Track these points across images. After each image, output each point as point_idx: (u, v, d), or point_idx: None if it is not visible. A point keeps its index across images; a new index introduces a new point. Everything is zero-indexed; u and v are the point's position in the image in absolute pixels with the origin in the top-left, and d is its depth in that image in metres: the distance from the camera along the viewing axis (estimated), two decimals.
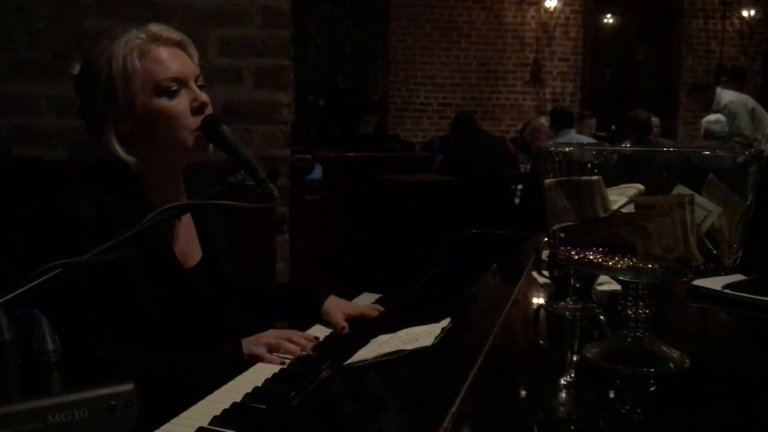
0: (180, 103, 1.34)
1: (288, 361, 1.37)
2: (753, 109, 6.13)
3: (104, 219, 1.29)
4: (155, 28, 1.37)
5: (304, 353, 1.41)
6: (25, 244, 1.34)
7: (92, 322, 1.27)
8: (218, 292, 1.50)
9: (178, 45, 1.39)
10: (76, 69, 1.40)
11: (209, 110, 1.37)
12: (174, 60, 1.35)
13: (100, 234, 1.20)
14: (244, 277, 1.66)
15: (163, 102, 1.33)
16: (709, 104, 6.14)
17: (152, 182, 1.39)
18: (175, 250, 1.42)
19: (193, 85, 1.36)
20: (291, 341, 1.42)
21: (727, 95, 6.15)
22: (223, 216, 1.60)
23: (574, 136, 5.51)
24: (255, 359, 1.37)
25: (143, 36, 1.35)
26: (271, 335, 1.43)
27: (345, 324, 1.59)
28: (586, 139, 5.69)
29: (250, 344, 1.40)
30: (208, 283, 1.48)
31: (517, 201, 5.49)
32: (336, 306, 1.65)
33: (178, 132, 1.34)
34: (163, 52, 1.35)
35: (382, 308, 1.70)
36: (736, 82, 6.61)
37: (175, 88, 1.33)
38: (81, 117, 1.40)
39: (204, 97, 1.36)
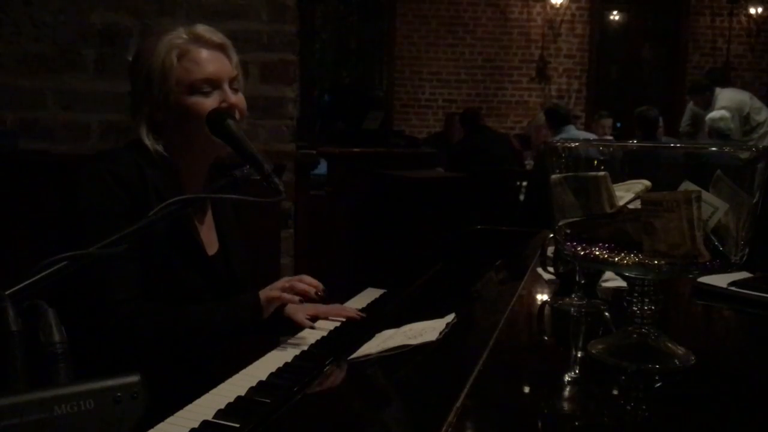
0: (210, 103, 1.39)
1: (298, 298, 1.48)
2: (748, 114, 6.08)
3: (143, 185, 1.36)
4: (200, 29, 1.43)
5: (319, 294, 1.54)
6: (65, 202, 1.37)
7: (118, 279, 1.31)
8: (231, 284, 1.54)
9: (219, 48, 1.44)
10: (131, 55, 1.49)
11: (240, 113, 1.42)
12: (211, 62, 1.41)
13: (139, 199, 1.32)
14: (252, 273, 1.67)
15: (194, 99, 1.38)
16: (707, 104, 6.10)
17: (181, 170, 1.45)
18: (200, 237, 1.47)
19: (226, 87, 1.42)
20: (302, 281, 1.53)
21: (724, 97, 6.10)
22: (234, 210, 1.64)
23: (574, 132, 5.44)
24: (273, 302, 1.46)
25: (185, 36, 1.41)
26: (282, 280, 1.53)
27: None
28: (590, 136, 5.66)
29: (266, 290, 1.48)
30: (225, 274, 1.52)
31: (521, 197, 5.48)
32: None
33: (203, 129, 1.37)
34: (203, 53, 1.41)
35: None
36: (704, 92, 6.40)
37: (207, 88, 1.39)
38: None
39: (233, 99, 1.41)
